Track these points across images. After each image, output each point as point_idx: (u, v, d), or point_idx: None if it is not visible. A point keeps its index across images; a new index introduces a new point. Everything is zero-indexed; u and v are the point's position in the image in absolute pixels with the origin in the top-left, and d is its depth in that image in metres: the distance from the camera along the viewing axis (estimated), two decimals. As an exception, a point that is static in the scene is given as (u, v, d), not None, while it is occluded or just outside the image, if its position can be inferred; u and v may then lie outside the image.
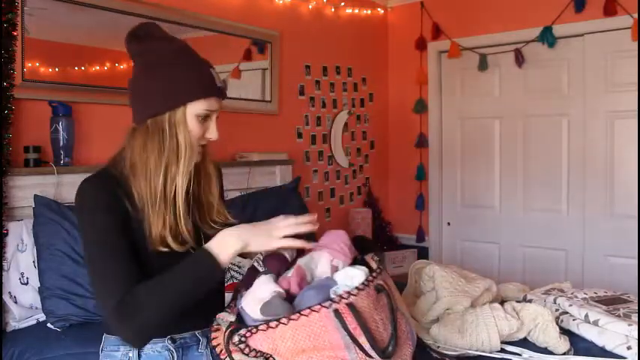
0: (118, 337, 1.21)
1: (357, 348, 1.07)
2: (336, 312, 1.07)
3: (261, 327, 1.08)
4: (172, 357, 1.25)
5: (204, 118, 1.23)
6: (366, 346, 1.07)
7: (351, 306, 1.08)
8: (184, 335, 1.28)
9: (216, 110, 1.25)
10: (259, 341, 1.09)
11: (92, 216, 1.18)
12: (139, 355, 1.24)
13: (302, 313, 1.07)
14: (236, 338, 1.10)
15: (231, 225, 1.29)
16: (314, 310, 1.07)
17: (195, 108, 1.21)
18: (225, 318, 1.16)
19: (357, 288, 1.11)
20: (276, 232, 1.20)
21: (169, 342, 1.25)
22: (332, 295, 1.10)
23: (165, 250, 1.19)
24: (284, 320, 1.07)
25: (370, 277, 1.16)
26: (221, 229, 1.23)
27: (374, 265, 1.26)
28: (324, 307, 1.07)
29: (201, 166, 1.32)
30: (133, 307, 1.10)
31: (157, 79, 1.20)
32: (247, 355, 1.10)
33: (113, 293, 1.11)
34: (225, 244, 1.17)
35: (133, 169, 1.21)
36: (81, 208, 1.20)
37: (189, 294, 1.14)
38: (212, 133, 1.25)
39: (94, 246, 1.16)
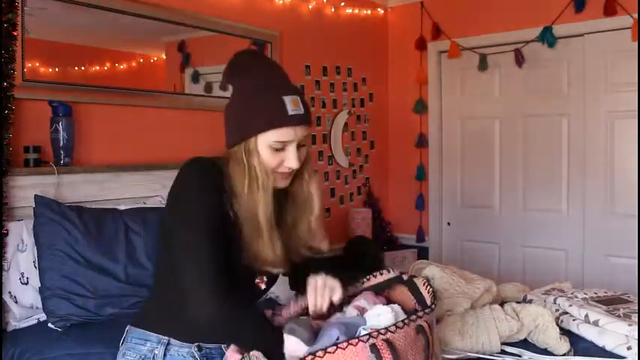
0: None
1: None
2: (373, 346, 1.08)
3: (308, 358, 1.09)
4: None
5: (280, 149, 1.24)
6: None
7: (388, 342, 1.08)
8: (210, 346, 1.29)
9: (290, 140, 1.24)
10: None
11: (198, 187, 1.21)
12: (165, 355, 1.26)
13: (339, 346, 1.07)
14: None
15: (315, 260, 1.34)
16: (351, 344, 1.07)
17: (265, 139, 1.22)
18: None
19: (396, 326, 1.12)
20: None
21: (196, 349, 1.27)
22: (362, 332, 1.12)
23: (243, 262, 1.23)
24: (320, 353, 1.07)
25: (414, 317, 1.16)
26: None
27: (428, 300, 1.24)
28: (362, 341, 1.08)
29: (297, 188, 1.33)
30: (232, 316, 1.16)
31: (236, 111, 1.25)
32: None
33: (214, 279, 1.14)
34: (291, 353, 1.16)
35: (230, 179, 1.25)
36: (188, 180, 1.22)
37: (251, 346, 1.17)
38: (290, 162, 1.25)
39: (194, 217, 1.18)
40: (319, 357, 1.07)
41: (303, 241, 1.34)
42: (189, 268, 1.15)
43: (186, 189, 1.22)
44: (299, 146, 1.26)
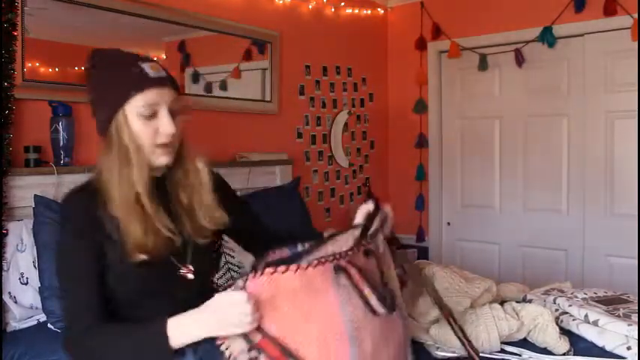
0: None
1: (355, 304, 1.08)
2: (338, 267, 1.09)
3: (267, 270, 1.08)
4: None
5: (150, 116, 1.19)
6: (372, 298, 1.07)
7: (353, 263, 1.10)
8: (207, 347, 1.27)
9: (158, 103, 1.19)
10: (260, 286, 1.08)
11: (64, 237, 1.23)
12: None
13: (310, 264, 1.08)
14: (239, 281, 1.10)
15: (222, 230, 1.31)
16: (320, 263, 1.08)
17: (133, 107, 1.18)
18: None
19: (346, 251, 1.13)
20: (248, 320, 1.09)
21: (191, 354, 1.24)
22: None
23: (142, 258, 1.18)
24: (293, 267, 1.08)
25: (363, 242, 1.18)
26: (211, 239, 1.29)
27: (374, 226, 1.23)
28: (328, 261, 1.09)
29: (183, 169, 1.29)
30: (83, 350, 1.17)
31: (97, 94, 1.22)
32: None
33: (72, 321, 1.20)
34: (187, 329, 1.12)
35: (102, 179, 1.22)
36: (59, 224, 1.27)
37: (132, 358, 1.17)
38: (164, 127, 1.20)
39: (63, 266, 1.22)
40: (292, 271, 1.08)
41: (205, 216, 1.29)
42: (61, 301, 1.28)
43: (56, 242, 1.28)
44: (173, 114, 1.22)
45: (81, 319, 1.18)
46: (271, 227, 1.55)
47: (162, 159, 1.23)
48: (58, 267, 1.23)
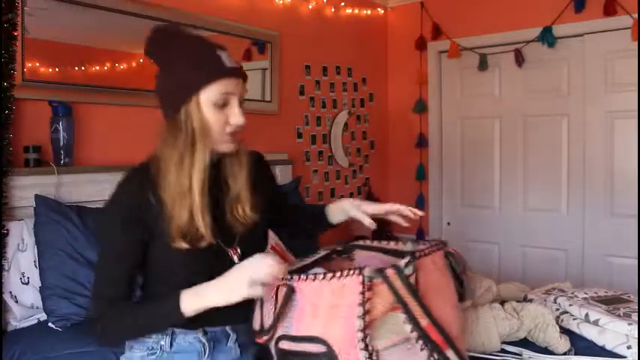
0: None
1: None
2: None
3: (319, 277, 1.08)
4: (204, 349, 1.28)
5: (223, 105, 1.21)
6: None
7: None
8: (215, 329, 1.29)
9: (232, 93, 1.21)
10: (307, 292, 1.09)
11: (110, 217, 1.26)
12: (171, 344, 1.27)
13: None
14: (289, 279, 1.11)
15: (250, 222, 1.32)
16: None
17: (208, 95, 1.19)
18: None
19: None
20: (273, 265, 1.13)
21: (201, 334, 1.28)
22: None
23: (184, 246, 1.21)
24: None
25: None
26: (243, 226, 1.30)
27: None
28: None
29: (233, 157, 1.31)
30: (103, 325, 1.21)
31: (168, 76, 1.22)
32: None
33: (97, 297, 1.25)
34: (201, 296, 1.16)
35: (159, 165, 1.23)
36: (107, 204, 1.27)
37: (148, 331, 1.25)
38: (235, 118, 1.23)
39: (102, 240, 1.29)
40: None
41: (245, 205, 1.32)
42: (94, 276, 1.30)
43: (104, 209, 1.30)
44: (241, 104, 1.25)
45: (106, 293, 1.22)
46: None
47: (226, 146, 1.26)
48: (97, 240, 1.34)
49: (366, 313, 1.03)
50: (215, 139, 1.23)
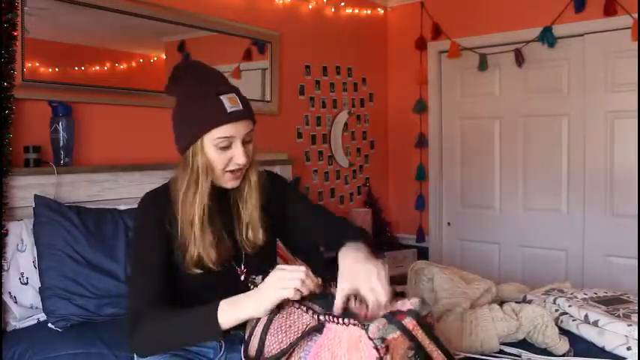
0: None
1: None
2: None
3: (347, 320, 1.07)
4: (220, 347, 1.36)
5: (225, 147, 1.30)
6: None
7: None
8: (231, 332, 1.32)
9: (233, 136, 1.30)
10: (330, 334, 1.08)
11: (141, 227, 1.36)
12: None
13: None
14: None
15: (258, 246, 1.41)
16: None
17: (210, 139, 1.29)
18: None
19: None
20: (300, 273, 1.16)
21: None
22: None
23: (197, 272, 1.32)
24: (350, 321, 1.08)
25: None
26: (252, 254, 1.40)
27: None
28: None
29: (243, 184, 1.40)
30: (140, 330, 1.22)
31: (179, 118, 1.34)
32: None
33: (134, 303, 1.27)
34: (237, 305, 1.18)
35: (173, 196, 1.35)
36: (136, 216, 1.39)
37: (186, 342, 1.27)
38: (237, 158, 1.32)
39: (136, 253, 1.36)
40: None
41: (251, 230, 1.41)
42: (128, 284, 1.36)
43: (134, 226, 1.41)
44: (245, 143, 1.33)
45: (144, 300, 1.26)
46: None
47: (230, 183, 1.37)
48: (133, 249, 1.38)
49: None
50: (218, 176, 1.34)
